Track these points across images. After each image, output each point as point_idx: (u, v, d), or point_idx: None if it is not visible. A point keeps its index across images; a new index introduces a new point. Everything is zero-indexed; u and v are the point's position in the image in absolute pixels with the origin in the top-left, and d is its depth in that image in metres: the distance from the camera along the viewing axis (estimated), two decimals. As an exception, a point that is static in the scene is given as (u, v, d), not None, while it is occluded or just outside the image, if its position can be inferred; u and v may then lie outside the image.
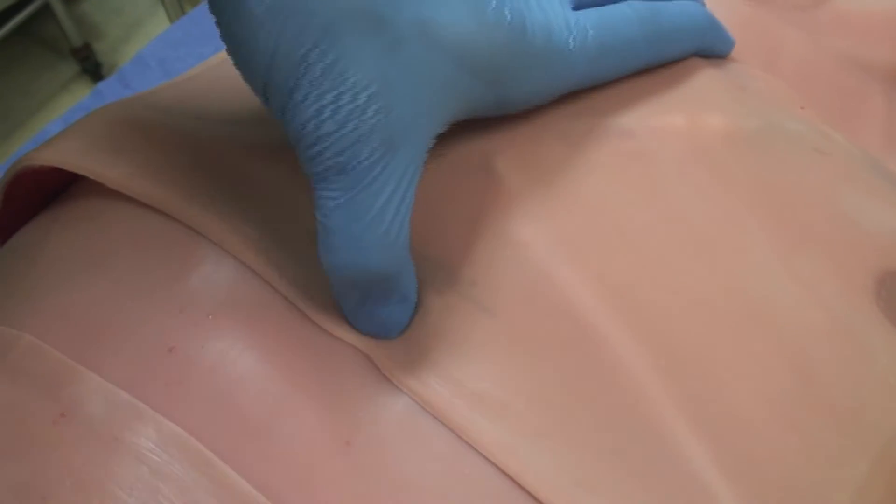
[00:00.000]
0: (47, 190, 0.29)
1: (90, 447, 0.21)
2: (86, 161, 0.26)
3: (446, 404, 0.22)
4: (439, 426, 0.22)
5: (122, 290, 0.24)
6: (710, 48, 0.30)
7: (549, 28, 0.24)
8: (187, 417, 0.21)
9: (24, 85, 1.28)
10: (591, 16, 0.26)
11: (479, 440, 0.22)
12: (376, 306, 0.23)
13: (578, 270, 0.24)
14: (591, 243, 0.25)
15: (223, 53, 0.34)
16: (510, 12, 0.23)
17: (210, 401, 0.22)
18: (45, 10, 1.19)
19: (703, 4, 0.31)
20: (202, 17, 0.75)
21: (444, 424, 0.22)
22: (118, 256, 0.25)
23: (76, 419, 0.21)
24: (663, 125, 0.28)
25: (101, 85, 0.71)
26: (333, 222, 0.21)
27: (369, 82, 0.20)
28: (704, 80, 0.29)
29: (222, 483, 0.20)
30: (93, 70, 1.29)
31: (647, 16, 0.27)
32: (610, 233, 0.25)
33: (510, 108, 0.26)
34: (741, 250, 0.25)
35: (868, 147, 0.30)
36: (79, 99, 0.71)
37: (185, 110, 0.28)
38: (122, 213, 0.26)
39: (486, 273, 0.24)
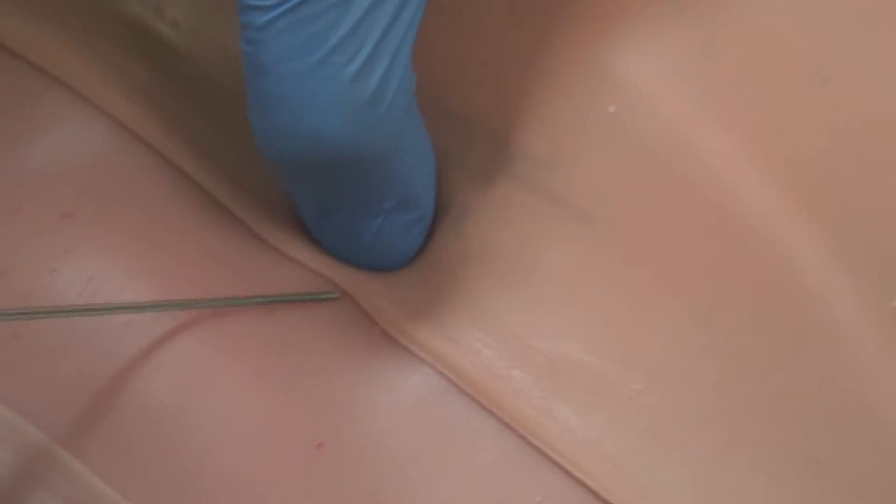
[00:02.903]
0: None
1: None
2: None
3: (495, 383, 0.15)
4: (478, 415, 0.15)
5: None
6: None
7: None
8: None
9: None
10: None
11: (553, 445, 0.15)
12: (357, 216, 0.14)
13: (730, 134, 0.16)
14: (750, 87, 0.16)
15: None
16: None
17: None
18: None
19: None
20: None
21: (487, 413, 0.15)
22: None
23: None
24: None
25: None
26: (265, 52, 0.12)
27: None
28: None
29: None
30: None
31: None
32: (785, 70, 0.17)
33: None
34: None
35: None
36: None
37: None
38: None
39: (575, 146, 0.15)
